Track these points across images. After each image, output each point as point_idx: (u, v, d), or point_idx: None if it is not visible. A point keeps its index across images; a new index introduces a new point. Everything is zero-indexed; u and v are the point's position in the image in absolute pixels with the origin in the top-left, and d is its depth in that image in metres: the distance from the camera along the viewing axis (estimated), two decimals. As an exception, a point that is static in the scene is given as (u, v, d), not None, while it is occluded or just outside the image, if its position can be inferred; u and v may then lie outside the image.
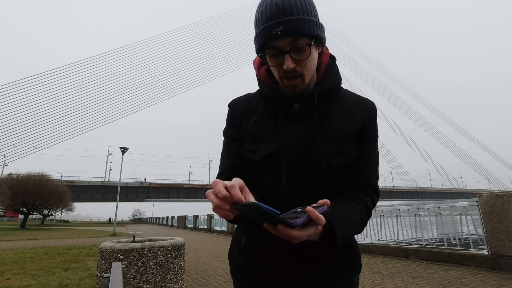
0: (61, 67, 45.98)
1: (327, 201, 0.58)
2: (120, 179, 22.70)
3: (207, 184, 60.85)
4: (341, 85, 0.86)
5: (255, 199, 0.72)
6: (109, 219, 73.87)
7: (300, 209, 0.58)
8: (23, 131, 39.76)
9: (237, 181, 0.55)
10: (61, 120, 42.64)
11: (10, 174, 33.12)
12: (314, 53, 0.75)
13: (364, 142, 0.81)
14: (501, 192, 4.56)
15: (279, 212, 0.52)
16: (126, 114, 47.90)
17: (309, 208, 0.53)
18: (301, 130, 0.78)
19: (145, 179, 59.48)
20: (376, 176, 0.83)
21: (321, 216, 0.53)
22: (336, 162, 0.76)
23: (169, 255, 2.99)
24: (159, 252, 2.92)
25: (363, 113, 0.81)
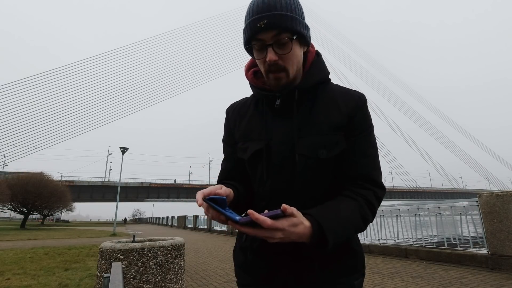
0: (61, 67, 46.01)
1: (285, 206, 0.58)
2: (120, 179, 22.71)
3: (207, 184, 60.83)
4: (331, 80, 0.87)
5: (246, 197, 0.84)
6: (125, 219, 76.02)
7: (279, 211, 0.59)
8: (23, 131, 39.78)
9: (215, 187, 0.69)
10: (61, 120, 42.66)
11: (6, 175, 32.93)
12: (297, 49, 0.77)
13: (355, 134, 0.79)
14: (501, 192, 4.55)
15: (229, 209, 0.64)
16: (126, 114, 47.93)
17: (249, 210, 0.56)
18: (286, 126, 0.80)
19: (175, 180, 59.68)
20: (375, 168, 0.80)
21: (262, 218, 0.54)
22: (321, 156, 0.76)
23: (169, 255, 2.99)
24: (159, 252, 2.92)
25: (349, 105, 0.80)
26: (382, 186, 0.79)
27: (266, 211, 0.65)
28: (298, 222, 0.59)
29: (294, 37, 0.75)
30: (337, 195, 0.76)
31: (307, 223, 0.61)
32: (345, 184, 0.78)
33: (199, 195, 0.65)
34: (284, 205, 0.57)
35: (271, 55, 0.73)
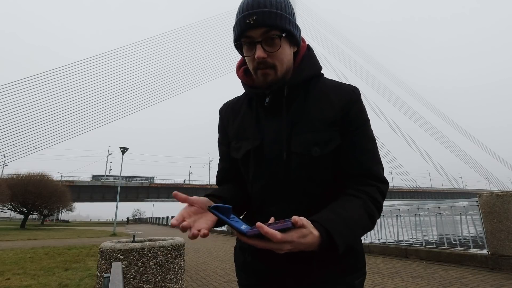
0: (61, 67, 45.99)
1: (296, 218, 0.55)
2: (120, 179, 22.74)
3: (207, 184, 60.85)
4: (323, 75, 0.86)
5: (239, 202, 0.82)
6: (128, 218, 77.81)
7: (289, 221, 0.57)
8: (23, 131, 39.74)
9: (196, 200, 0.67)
10: (61, 120, 42.62)
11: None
12: (286, 47, 0.76)
13: (352, 130, 0.77)
14: (501, 192, 4.55)
15: (234, 217, 0.61)
16: (127, 114, 47.86)
17: (258, 223, 0.53)
18: (277, 124, 0.79)
19: (184, 181, 61.63)
20: (376, 163, 0.77)
21: (272, 232, 0.52)
22: (314, 153, 0.74)
23: (169, 255, 2.99)
24: (159, 252, 2.92)
25: (342, 99, 0.78)
26: (385, 181, 0.77)
27: (272, 219, 0.63)
28: (307, 233, 0.57)
29: (283, 35, 0.74)
30: (340, 194, 0.75)
31: (316, 232, 0.59)
32: (347, 182, 0.76)
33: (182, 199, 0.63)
34: (295, 218, 0.55)
35: (259, 52, 0.73)
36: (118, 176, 60.88)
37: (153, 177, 63.33)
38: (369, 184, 0.74)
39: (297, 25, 0.79)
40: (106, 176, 59.70)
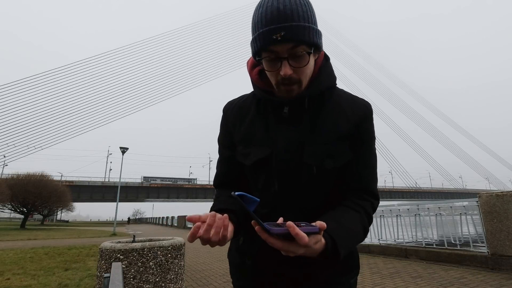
0: (61, 67, 46.01)
1: (323, 224, 0.56)
2: (120, 179, 22.73)
3: (207, 184, 60.84)
4: (337, 85, 0.84)
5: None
6: (128, 218, 78.85)
7: (303, 224, 0.57)
8: (23, 131, 39.78)
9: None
10: (61, 120, 42.67)
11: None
12: (312, 61, 0.74)
13: (359, 144, 0.78)
14: (501, 192, 4.56)
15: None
16: (127, 114, 47.92)
17: (289, 222, 0.52)
18: (292, 134, 0.77)
19: (191, 181, 63.45)
20: (374, 180, 0.81)
21: (302, 234, 0.52)
22: (327, 166, 0.75)
23: (169, 255, 2.99)
24: (159, 252, 2.92)
25: (356, 114, 0.79)
26: (378, 197, 0.81)
27: (280, 219, 0.62)
28: (319, 239, 0.58)
29: (312, 50, 0.70)
30: (337, 203, 0.76)
31: (323, 240, 0.59)
32: (345, 193, 0.78)
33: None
34: (321, 223, 0.56)
35: (286, 70, 0.69)
36: (166, 178, 64.09)
37: (195, 179, 68.17)
38: (365, 199, 0.78)
39: (320, 32, 0.74)
40: (154, 177, 63.72)
